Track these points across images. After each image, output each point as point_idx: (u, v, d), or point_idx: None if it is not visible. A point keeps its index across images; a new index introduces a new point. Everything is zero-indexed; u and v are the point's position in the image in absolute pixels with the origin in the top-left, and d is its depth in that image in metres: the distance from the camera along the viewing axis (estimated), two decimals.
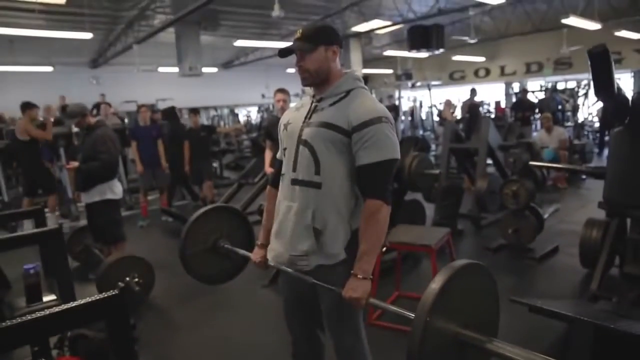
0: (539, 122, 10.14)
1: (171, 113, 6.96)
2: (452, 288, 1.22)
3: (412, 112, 13.82)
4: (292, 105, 1.89)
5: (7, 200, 6.78)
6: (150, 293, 3.62)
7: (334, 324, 1.76)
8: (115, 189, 3.71)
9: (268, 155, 4.39)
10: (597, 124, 12.30)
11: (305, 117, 1.68)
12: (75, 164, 3.62)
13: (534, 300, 2.62)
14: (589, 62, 2.51)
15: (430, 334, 1.17)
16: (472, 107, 8.70)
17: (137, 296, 3.42)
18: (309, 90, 1.76)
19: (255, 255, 1.96)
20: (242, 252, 2.12)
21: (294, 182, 1.67)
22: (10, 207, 6.27)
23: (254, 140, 10.88)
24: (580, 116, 12.66)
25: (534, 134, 9.58)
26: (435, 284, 1.21)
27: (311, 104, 1.71)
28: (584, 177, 7.41)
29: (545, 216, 4.81)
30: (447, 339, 1.23)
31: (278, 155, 1.88)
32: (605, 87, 2.60)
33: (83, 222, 4.72)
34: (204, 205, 6.46)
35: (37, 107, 6.01)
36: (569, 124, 11.55)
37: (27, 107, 5.80)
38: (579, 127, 11.22)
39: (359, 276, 1.56)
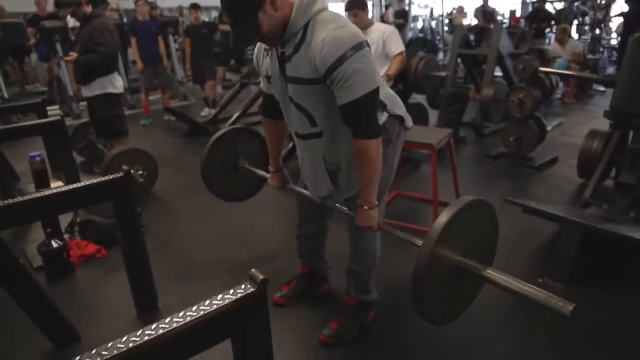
0: (553, 37, 9.69)
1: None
2: (457, 221, 1.32)
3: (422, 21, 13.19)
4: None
5: (7, 97, 6.70)
6: (154, 187, 3.72)
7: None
8: (116, 83, 3.65)
9: None
10: (613, 41, 11.77)
11: (280, 69, 1.58)
12: (73, 55, 3.52)
13: (528, 202, 2.71)
14: None
15: (435, 261, 1.30)
16: (485, 14, 8.27)
17: (141, 188, 3.52)
18: None
19: (271, 180, 2.09)
20: (261, 172, 2.25)
21: (297, 135, 1.74)
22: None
23: None
24: (598, 30, 12.06)
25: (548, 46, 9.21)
26: (443, 217, 1.31)
27: (277, 50, 1.57)
28: (592, 92, 7.26)
29: (549, 128, 4.78)
30: (448, 265, 1.36)
31: (264, 89, 1.85)
32: None
33: (85, 119, 4.70)
34: (207, 104, 6.43)
35: None
36: (585, 37, 11.05)
37: None
38: (595, 42, 10.75)
39: (364, 207, 1.65)
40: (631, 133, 3.13)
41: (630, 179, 2.99)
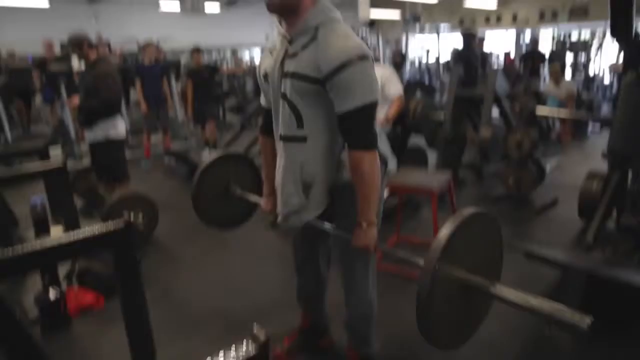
0: (547, 76, 9.91)
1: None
2: (460, 236, 1.26)
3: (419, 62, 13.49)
4: (266, 46, 1.75)
5: (10, 139, 6.77)
6: (154, 232, 3.70)
7: (345, 257, 1.81)
8: (119, 127, 3.69)
9: None
10: (607, 80, 12.01)
11: (281, 66, 1.58)
12: (75, 100, 3.59)
13: (529, 247, 2.68)
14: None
15: (438, 280, 1.23)
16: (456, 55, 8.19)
17: (142, 234, 3.51)
18: (280, 27, 1.60)
19: (265, 205, 2.02)
20: (253, 197, 2.19)
21: (281, 137, 1.66)
22: (14, 148, 6.27)
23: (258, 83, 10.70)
24: (591, 69, 12.33)
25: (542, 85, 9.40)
26: (444, 233, 1.25)
27: (283, 46, 1.59)
28: (589, 131, 7.34)
29: (548, 168, 4.81)
30: (453, 284, 1.29)
31: (264, 103, 1.84)
32: (622, 27, 2.52)
33: (87, 161, 4.74)
34: (208, 146, 6.49)
35: None
36: (579, 76, 11.27)
37: None
38: (589, 80, 10.97)
39: (363, 225, 1.58)
40: (630, 174, 3.14)
41: (632, 221, 2.98)
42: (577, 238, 3.48)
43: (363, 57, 1.45)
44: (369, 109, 1.50)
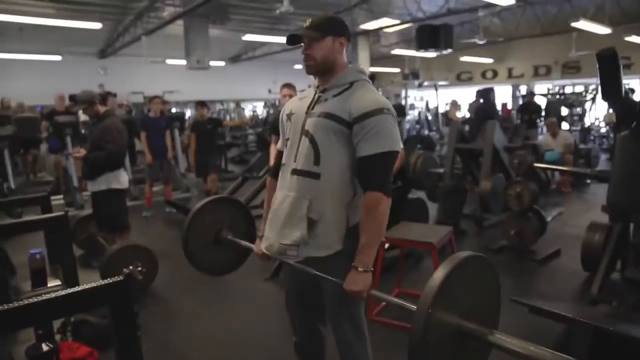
0: (544, 127, 10.12)
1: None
2: (454, 280, 1.23)
3: (418, 113, 13.82)
4: (296, 95, 1.90)
5: (13, 187, 6.83)
6: (153, 282, 3.65)
7: (334, 315, 1.78)
8: (121, 179, 3.73)
9: (273, 149, 4.41)
10: (603, 129, 12.25)
11: (309, 108, 1.69)
12: (82, 151, 3.65)
13: (534, 301, 2.64)
14: (597, 65, 2.52)
15: (432, 325, 1.18)
16: (479, 110, 8.66)
17: (140, 285, 3.46)
18: (314, 81, 1.75)
19: (257, 247, 1.97)
20: (245, 243, 2.14)
21: (294, 172, 1.68)
22: (17, 195, 6.32)
23: (260, 135, 10.92)
24: (587, 121, 12.60)
25: (540, 137, 9.56)
26: (438, 276, 1.21)
27: (315, 94, 1.71)
28: (588, 181, 7.38)
29: (549, 219, 4.81)
30: (448, 330, 1.24)
31: (279, 147, 1.88)
32: (612, 90, 2.61)
33: (88, 210, 4.75)
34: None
35: None
36: (575, 128, 11.51)
37: None
38: (585, 132, 11.18)
39: (359, 269, 1.56)
40: (632, 227, 3.14)
41: (637, 274, 2.95)
42: (581, 290, 3.43)
43: (389, 111, 1.60)
44: (391, 157, 1.58)
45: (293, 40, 1.71)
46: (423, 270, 3.98)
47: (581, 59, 13.59)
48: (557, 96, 12.16)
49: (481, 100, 7.41)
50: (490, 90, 7.19)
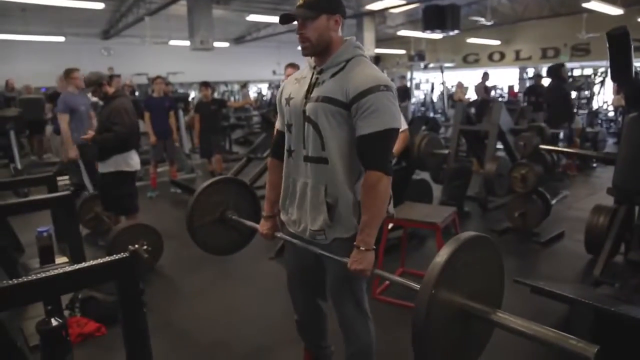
0: None
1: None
2: (458, 260, 1.23)
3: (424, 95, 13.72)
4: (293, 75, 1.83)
5: (20, 167, 6.88)
6: (158, 261, 3.70)
7: (337, 294, 1.80)
8: (131, 161, 3.72)
9: None
10: (611, 113, 12.12)
11: (307, 92, 1.66)
12: (91, 133, 3.65)
13: (537, 282, 2.65)
14: (607, 45, 2.48)
15: (436, 305, 1.18)
16: (486, 89, 8.57)
17: (146, 263, 3.50)
18: (311, 60, 1.71)
19: (262, 226, 1.99)
20: (249, 223, 2.15)
21: (306, 159, 1.68)
22: (23, 175, 6.37)
23: (264, 115, 10.88)
24: (595, 104, 12.46)
25: None
26: (442, 255, 1.21)
27: (312, 75, 1.68)
28: (594, 164, 7.34)
29: (553, 202, 4.80)
30: (451, 309, 1.24)
31: (279, 127, 1.87)
32: (622, 71, 2.57)
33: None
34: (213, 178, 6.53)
35: None
36: (583, 111, 11.39)
37: None
38: (593, 115, 11.07)
39: (361, 248, 1.57)
40: (637, 209, 3.13)
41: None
42: (584, 272, 3.44)
43: (387, 87, 1.55)
44: (390, 135, 1.55)
45: (287, 19, 1.66)
46: (426, 251, 4.00)
47: (591, 41, 13.37)
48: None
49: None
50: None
